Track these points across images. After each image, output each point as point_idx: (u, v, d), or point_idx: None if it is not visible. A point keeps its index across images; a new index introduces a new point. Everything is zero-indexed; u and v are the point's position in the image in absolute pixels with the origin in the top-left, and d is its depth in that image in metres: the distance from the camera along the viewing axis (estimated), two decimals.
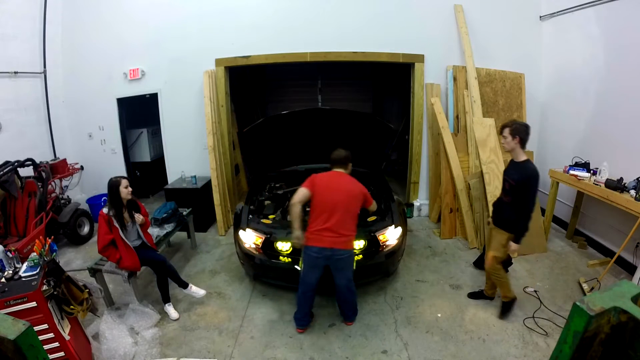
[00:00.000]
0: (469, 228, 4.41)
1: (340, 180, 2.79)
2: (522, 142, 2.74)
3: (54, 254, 2.45)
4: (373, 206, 2.96)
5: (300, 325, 3.01)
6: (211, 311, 3.32)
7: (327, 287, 2.96)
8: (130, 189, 3.13)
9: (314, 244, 2.69)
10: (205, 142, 5.01)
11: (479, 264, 3.88)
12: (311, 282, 2.83)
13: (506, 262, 3.69)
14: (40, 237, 2.97)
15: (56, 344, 2.24)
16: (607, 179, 3.51)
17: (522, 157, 2.78)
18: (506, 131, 2.75)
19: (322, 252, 2.68)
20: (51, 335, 2.21)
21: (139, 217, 3.24)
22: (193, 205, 4.62)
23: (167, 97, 5.33)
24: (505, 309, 3.09)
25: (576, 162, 4.03)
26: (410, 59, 4.92)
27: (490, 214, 3.21)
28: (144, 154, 6.39)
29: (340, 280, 2.85)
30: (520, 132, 2.70)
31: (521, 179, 2.70)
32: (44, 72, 5.19)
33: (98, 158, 5.66)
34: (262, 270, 3.35)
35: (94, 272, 3.27)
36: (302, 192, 2.72)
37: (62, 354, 2.27)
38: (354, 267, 2.91)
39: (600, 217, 4.12)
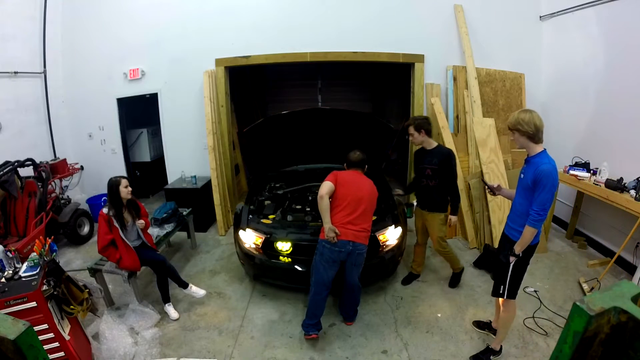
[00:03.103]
0: (469, 228, 4.41)
1: (361, 178, 2.90)
2: (428, 133, 3.12)
3: (54, 254, 2.45)
4: None
5: (312, 331, 2.81)
6: (211, 311, 3.32)
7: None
8: (130, 188, 3.14)
9: (338, 238, 2.68)
10: (205, 142, 5.01)
11: (479, 263, 3.88)
12: (327, 280, 2.76)
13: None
14: (40, 237, 2.97)
15: (56, 344, 2.23)
16: (607, 179, 3.51)
17: (433, 144, 3.18)
18: (411, 129, 3.13)
19: (345, 245, 2.68)
20: (51, 335, 2.21)
21: (141, 224, 3.25)
22: (193, 205, 4.62)
23: (167, 97, 5.33)
24: (456, 280, 3.55)
25: (576, 162, 4.03)
26: (410, 59, 4.92)
27: (412, 201, 3.61)
28: (144, 154, 6.39)
29: (352, 277, 2.85)
30: (423, 126, 3.09)
31: (441, 159, 3.09)
32: (44, 72, 5.20)
33: (98, 158, 5.66)
34: (262, 270, 3.35)
35: (94, 272, 3.27)
36: (327, 185, 2.75)
37: (62, 354, 2.27)
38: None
39: (600, 217, 4.12)
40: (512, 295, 2.44)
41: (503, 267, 2.43)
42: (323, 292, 2.80)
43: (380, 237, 3.23)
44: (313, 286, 2.81)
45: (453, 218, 3.25)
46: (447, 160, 3.09)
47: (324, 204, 2.71)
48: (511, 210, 2.46)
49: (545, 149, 2.21)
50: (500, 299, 2.54)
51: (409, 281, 3.67)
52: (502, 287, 2.45)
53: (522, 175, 2.31)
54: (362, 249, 2.77)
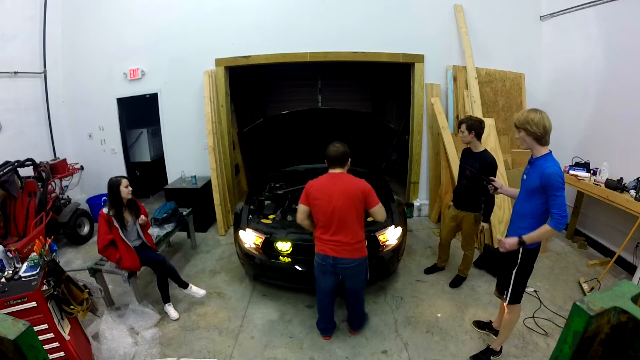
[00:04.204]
0: None
1: (336, 183, 2.49)
2: (477, 136, 3.11)
3: (54, 254, 2.45)
4: (377, 209, 2.50)
5: (325, 333, 2.95)
6: (211, 311, 3.32)
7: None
8: (130, 188, 3.13)
9: (317, 251, 2.63)
10: (205, 142, 5.01)
11: (479, 263, 3.88)
12: (326, 289, 2.75)
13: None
14: (40, 237, 2.97)
15: (56, 344, 2.23)
16: (607, 179, 3.51)
17: (480, 148, 3.15)
18: (463, 126, 3.11)
19: (325, 259, 2.60)
20: (51, 335, 2.21)
21: (142, 219, 3.26)
22: (193, 205, 4.62)
23: (167, 97, 5.33)
24: (458, 282, 3.59)
25: (576, 162, 4.03)
26: (410, 59, 4.92)
27: (449, 201, 3.58)
28: (144, 154, 6.39)
29: (350, 286, 2.79)
30: (474, 127, 3.07)
31: (482, 165, 3.04)
32: (44, 72, 5.19)
33: (98, 158, 5.66)
34: (262, 270, 3.35)
35: (94, 272, 3.27)
36: (301, 210, 2.61)
37: (62, 354, 2.27)
38: (367, 276, 2.72)
39: (600, 217, 4.12)
40: (516, 300, 2.43)
41: (506, 273, 2.43)
42: (325, 299, 2.81)
43: (380, 237, 3.23)
44: (317, 292, 2.83)
45: (485, 225, 3.22)
46: (488, 168, 3.02)
47: (305, 226, 2.69)
48: (512, 211, 2.43)
49: (550, 151, 2.14)
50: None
51: (431, 271, 3.83)
52: (505, 292, 2.45)
53: (524, 177, 2.27)
54: (346, 263, 2.55)
